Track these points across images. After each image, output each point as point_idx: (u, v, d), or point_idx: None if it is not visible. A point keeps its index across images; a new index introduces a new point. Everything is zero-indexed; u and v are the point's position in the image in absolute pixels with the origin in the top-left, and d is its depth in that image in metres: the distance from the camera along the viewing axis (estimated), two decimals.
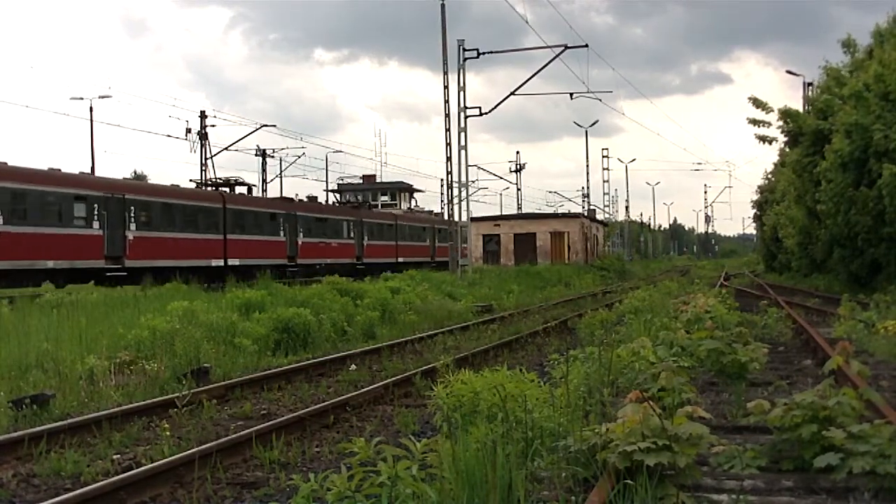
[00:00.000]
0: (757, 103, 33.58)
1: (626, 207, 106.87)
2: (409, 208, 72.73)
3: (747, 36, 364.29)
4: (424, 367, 12.28)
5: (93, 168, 47.58)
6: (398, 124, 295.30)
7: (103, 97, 59.17)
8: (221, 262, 36.18)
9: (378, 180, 79.98)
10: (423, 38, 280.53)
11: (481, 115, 40.78)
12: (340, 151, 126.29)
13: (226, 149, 56.81)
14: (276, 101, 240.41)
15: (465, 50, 39.60)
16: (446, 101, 39.40)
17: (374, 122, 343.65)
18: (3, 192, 26.33)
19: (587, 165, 77.71)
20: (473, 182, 69.27)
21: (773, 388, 8.78)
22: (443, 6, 39.30)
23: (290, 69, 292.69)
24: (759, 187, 65.22)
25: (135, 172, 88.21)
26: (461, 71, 39.64)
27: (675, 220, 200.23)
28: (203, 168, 49.97)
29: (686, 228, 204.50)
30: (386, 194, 78.22)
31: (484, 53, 40.55)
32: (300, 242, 42.06)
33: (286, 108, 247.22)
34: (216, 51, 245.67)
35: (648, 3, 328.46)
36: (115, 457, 7.99)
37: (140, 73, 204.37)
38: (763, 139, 35.25)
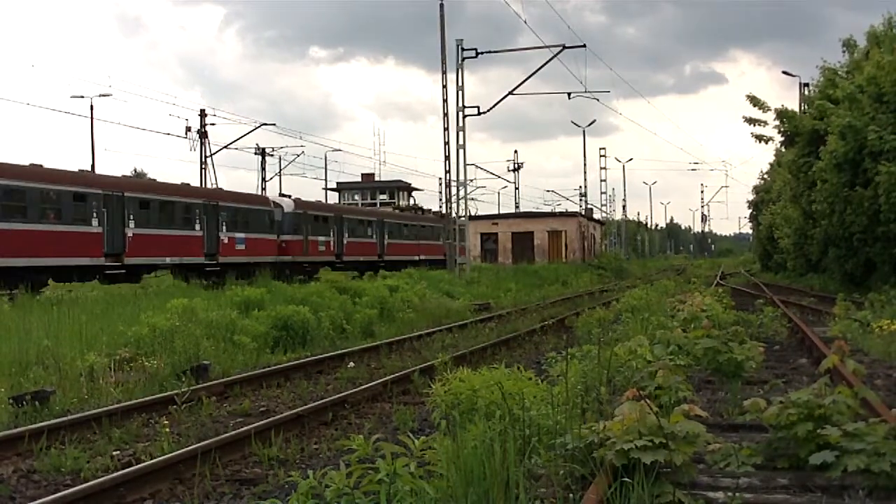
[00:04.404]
0: (754, 101, 33.64)
1: (624, 206, 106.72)
2: (409, 206, 72.46)
3: (741, 35, 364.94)
4: (423, 365, 12.33)
5: (93, 166, 47.55)
6: (393, 123, 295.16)
7: (103, 95, 59.27)
8: None
9: (377, 179, 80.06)
10: (419, 37, 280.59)
11: (479, 114, 40.80)
12: (339, 150, 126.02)
13: (225, 147, 56.62)
14: (271, 100, 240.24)
15: (463, 49, 39.60)
16: (444, 101, 39.41)
17: (371, 121, 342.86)
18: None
19: (584, 165, 77.76)
20: (471, 181, 69.07)
21: (769, 386, 8.82)
22: (441, 6, 39.29)
23: (285, 67, 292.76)
24: (755, 187, 65.46)
25: (135, 170, 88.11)
26: (459, 71, 39.67)
27: (671, 220, 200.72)
28: (203, 166, 49.94)
29: (682, 228, 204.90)
30: (385, 193, 78.32)
31: (482, 53, 40.53)
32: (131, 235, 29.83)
33: (280, 107, 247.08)
34: (211, 49, 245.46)
35: (641, 2, 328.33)
36: (114, 453, 8.03)
37: (135, 71, 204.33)
38: (759, 138, 35.32)
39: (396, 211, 63.82)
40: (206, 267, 32.69)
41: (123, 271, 28.41)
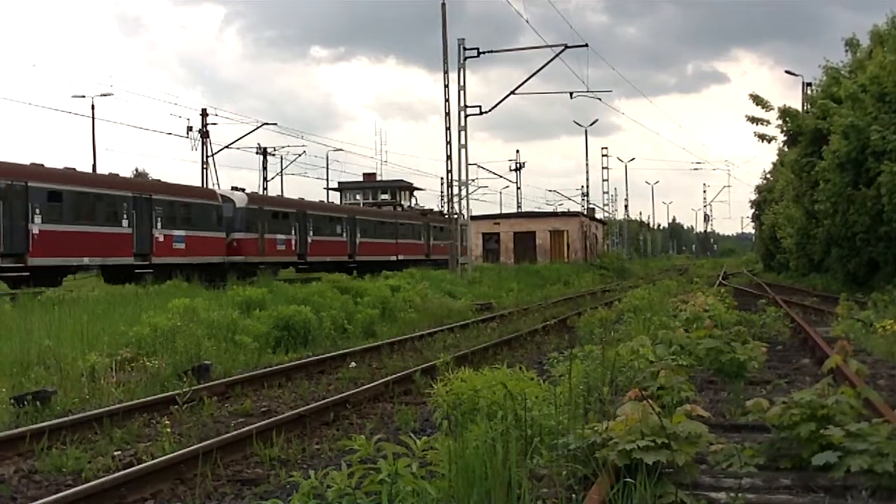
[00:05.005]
0: (757, 100, 33.64)
1: (626, 206, 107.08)
2: (409, 206, 72.31)
3: (743, 35, 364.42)
4: (424, 365, 12.31)
5: (94, 166, 47.61)
6: (394, 123, 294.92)
7: (105, 95, 59.49)
8: None
9: (379, 179, 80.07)
10: (420, 37, 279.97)
11: (481, 113, 40.82)
12: (341, 150, 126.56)
13: (227, 147, 56.71)
14: (272, 99, 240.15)
15: (465, 49, 39.62)
16: (446, 100, 39.41)
17: (373, 121, 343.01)
18: None
19: (587, 164, 77.74)
20: (473, 181, 69.02)
21: (772, 386, 8.80)
22: (443, 5, 39.30)
23: (286, 67, 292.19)
24: (758, 187, 65.38)
25: (136, 170, 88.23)
26: (461, 70, 39.69)
27: (674, 219, 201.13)
28: (204, 166, 49.95)
29: (685, 227, 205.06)
30: (386, 192, 78.30)
31: (484, 53, 40.58)
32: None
33: (281, 106, 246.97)
34: (211, 48, 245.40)
35: (642, 2, 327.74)
36: (116, 453, 8.03)
37: (136, 70, 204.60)
38: (762, 137, 35.34)
39: (375, 208, 61.77)
40: (135, 268, 28.94)
41: (27, 273, 24.56)
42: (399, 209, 63.38)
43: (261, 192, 53.06)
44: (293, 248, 38.55)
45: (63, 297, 19.59)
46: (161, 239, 30.45)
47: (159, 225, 30.43)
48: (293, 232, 38.52)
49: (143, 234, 29.60)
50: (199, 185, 45.72)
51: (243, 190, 38.66)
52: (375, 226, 47.15)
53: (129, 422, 9.24)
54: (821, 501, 4.85)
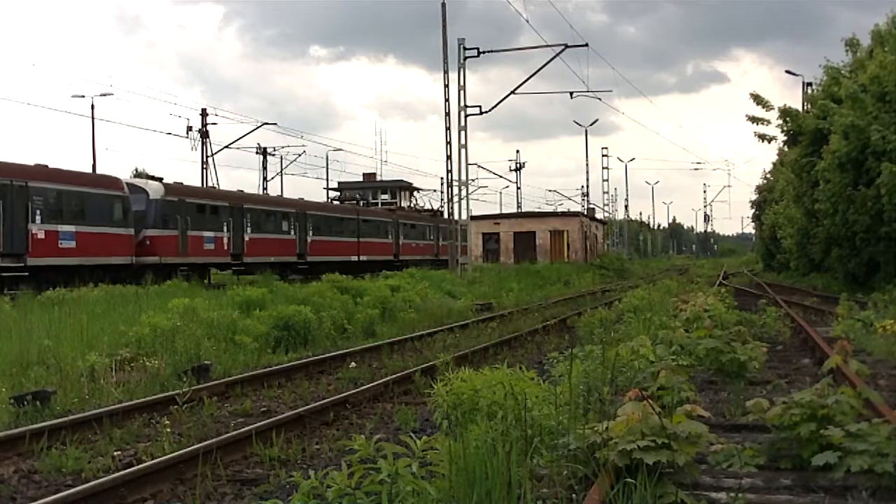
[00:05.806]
0: (758, 100, 33.64)
1: (626, 206, 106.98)
2: (409, 206, 72.20)
3: (743, 34, 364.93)
4: (424, 365, 12.30)
5: (94, 166, 47.55)
6: (393, 123, 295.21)
7: (104, 95, 59.24)
8: None
9: (378, 179, 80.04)
10: (420, 36, 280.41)
11: (481, 113, 40.84)
12: (341, 150, 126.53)
13: (227, 147, 56.67)
14: (272, 99, 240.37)
15: (465, 49, 39.62)
16: (446, 100, 39.41)
17: (372, 121, 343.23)
18: None
19: (587, 164, 77.75)
20: (473, 181, 68.98)
21: (772, 386, 8.81)
22: (443, 5, 39.36)
23: (286, 66, 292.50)
24: (758, 187, 65.49)
25: (136, 170, 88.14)
26: (461, 70, 39.69)
27: (674, 220, 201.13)
28: (204, 166, 49.94)
29: (685, 227, 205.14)
30: (386, 192, 78.21)
31: (485, 52, 40.60)
32: None
33: (281, 106, 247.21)
34: (210, 48, 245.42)
35: (642, 1, 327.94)
36: (115, 453, 8.02)
37: (136, 70, 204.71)
38: (762, 137, 35.32)
39: (335, 203, 59.58)
40: (2, 271, 24.02)
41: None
42: (367, 205, 61.57)
43: (261, 192, 52.97)
44: (225, 246, 34.37)
45: (63, 297, 19.58)
46: (41, 236, 25.35)
47: (38, 219, 25.28)
48: (225, 228, 34.37)
49: (15, 230, 24.41)
50: (199, 184, 45.65)
51: (160, 179, 33.85)
52: (331, 222, 43.11)
53: (129, 422, 9.23)
54: (821, 502, 4.84)
